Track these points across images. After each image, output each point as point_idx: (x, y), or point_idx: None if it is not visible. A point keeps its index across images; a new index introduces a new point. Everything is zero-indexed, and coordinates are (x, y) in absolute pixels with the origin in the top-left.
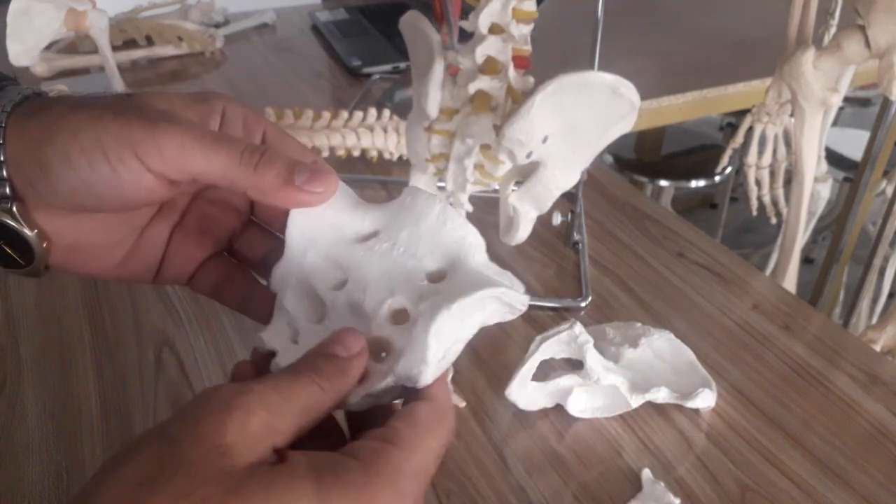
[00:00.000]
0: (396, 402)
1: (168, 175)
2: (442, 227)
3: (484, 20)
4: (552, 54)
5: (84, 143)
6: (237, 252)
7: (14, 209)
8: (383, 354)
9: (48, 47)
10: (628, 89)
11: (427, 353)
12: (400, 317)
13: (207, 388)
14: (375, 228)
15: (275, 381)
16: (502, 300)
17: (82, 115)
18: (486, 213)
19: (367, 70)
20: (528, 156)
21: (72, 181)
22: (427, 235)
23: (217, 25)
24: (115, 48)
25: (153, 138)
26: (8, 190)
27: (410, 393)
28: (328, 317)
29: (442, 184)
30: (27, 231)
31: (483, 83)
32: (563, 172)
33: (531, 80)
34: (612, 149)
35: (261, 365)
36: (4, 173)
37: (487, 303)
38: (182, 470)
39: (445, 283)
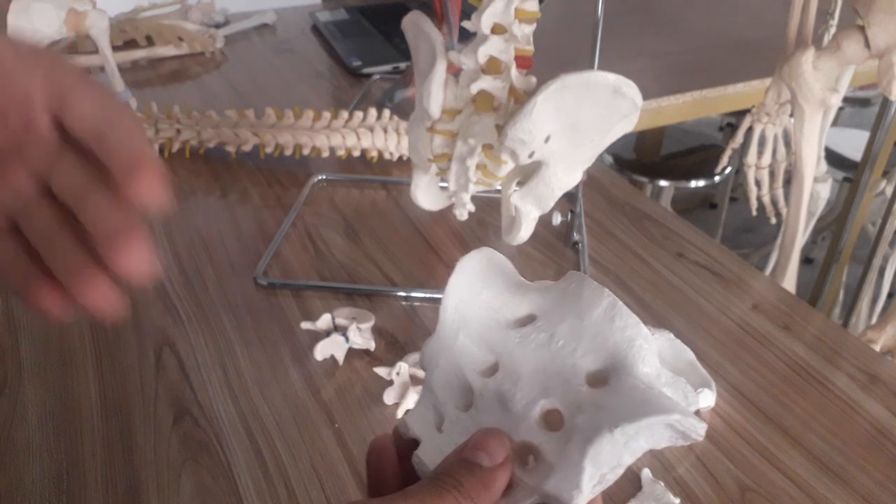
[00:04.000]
0: None
1: None
2: (609, 324)
3: (486, 20)
4: (552, 55)
5: None
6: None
7: None
8: (529, 460)
9: (49, 47)
10: (631, 89)
11: (582, 478)
12: (552, 419)
13: (356, 500)
14: (533, 313)
15: (419, 500)
16: (675, 427)
17: None
18: (488, 213)
19: (367, 70)
20: (531, 155)
21: None
22: (591, 331)
23: (217, 26)
24: (115, 48)
25: None
26: None
27: None
28: (475, 406)
29: (444, 183)
30: None
31: (485, 83)
32: (566, 172)
33: (533, 79)
34: (612, 149)
35: (400, 442)
36: None
37: (656, 428)
38: None
39: (608, 392)
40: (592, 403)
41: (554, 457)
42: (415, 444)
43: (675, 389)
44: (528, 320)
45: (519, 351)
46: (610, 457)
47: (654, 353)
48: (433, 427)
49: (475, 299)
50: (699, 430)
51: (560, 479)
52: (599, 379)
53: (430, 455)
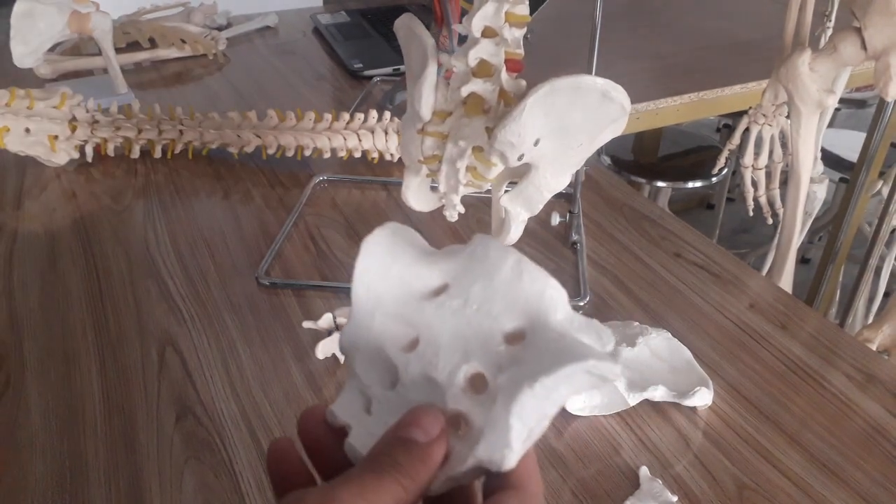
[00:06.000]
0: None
1: None
2: (518, 281)
3: (477, 24)
4: (550, 56)
5: None
6: None
7: None
8: (462, 427)
9: (52, 49)
10: (619, 93)
11: (510, 436)
12: (477, 383)
13: (293, 494)
14: (445, 281)
15: (359, 486)
16: (591, 373)
17: None
18: (486, 213)
19: (367, 72)
20: (520, 158)
21: None
22: (502, 290)
23: (219, 28)
24: (118, 50)
25: None
26: None
27: (493, 474)
28: (401, 382)
29: (435, 185)
30: None
31: (476, 86)
32: (555, 175)
33: (523, 83)
34: (610, 150)
35: (312, 439)
36: None
37: (574, 376)
38: None
39: (525, 347)
40: (512, 361)
41: (482, 420)
42: (344, 433)
43: (588, 333)
44: (441, 289)
45: (436, 321)
46: (534, 411)
47: (564, 301)
48: (362, 411)
49: (386, 277)
50: (615, 370)
51: (490, 440)
52: (516, 336)
53: (361, 440)
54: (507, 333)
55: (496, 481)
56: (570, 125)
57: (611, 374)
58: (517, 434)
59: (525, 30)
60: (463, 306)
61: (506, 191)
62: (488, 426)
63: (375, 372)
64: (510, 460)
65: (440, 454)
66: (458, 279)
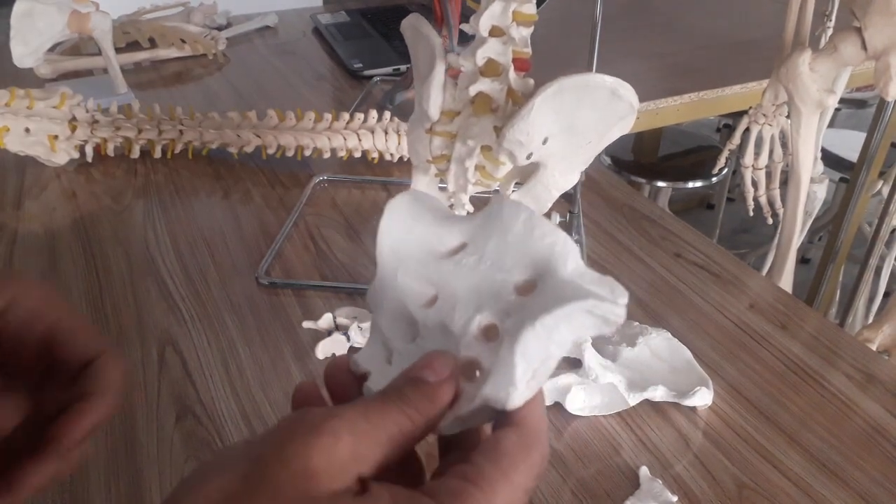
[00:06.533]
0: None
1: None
2: (530, 236)
3: (485, 23)
4: (550, 57)
5: None
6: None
7: None
8: (476, 374)
9: (52, 49)
10: (627, 91)
11: (514, 374)
12: (490, 333)
13: (299, 409)
14: (463, 241)
15: (364, 408)
16: (593, 313)
17: None
18: None
19: (367, 72)
20: (529, 157)
21: None
22: (515, 245)
23: (219, 28)
24: (118, 50)
25: None
26: None
27: (500, 415)
28: (420, 336)
29: (443, 184)
30: None
31: (484, 85)
32: (563, 173)
33: (531, 82)
34: (610, 150)
35: (337, 385)
36: None
37: (576, 317)
38: (266, 490)
39: (535, 297)
40: (520, 308)
41: (491, 363)
42: (365, 380)
43: (600, 286)
44: (460, 248)
45: (453, 277)
46: (538, 350)
47: (575, 254)
48: (383, 361)
49: (408, 237)
50: (617, 311)
51: (496, 379)
52: (527, 287)
53: (379, 385)
54: (518, 285)
55: (501, 421)
56: (579, 123)
57: (613, 316)
58: (521, 372)
59: (532, 28)
60: (478, 262)
61: (514, 190)
62: (495, 366)
63: (397, 327)
64: (514, 398)
65: (448, 394)
66: (475, 238)
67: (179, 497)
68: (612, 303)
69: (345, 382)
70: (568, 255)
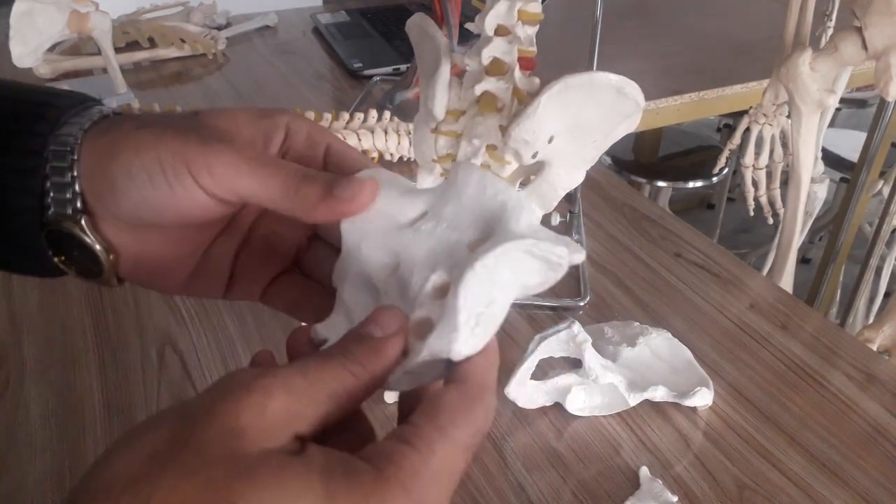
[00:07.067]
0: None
1: (219, 195)
2: (482, 195)
3: (490, 22)
4: (551, 56)
5: (145, 159)
6: (306, 268)
7: (83, 222)
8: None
9: (51, 49)
10: (633, 89)
11: (456, 319)
12: (443, 291)
13: (232, 370)
14: (424, 210)
15: (302, 365)
16: (533, 253)
17: (146, 133)
18: None
19: (367, 72)
20: (534, 156)
21: (134, 196)
22: (469, 206)
23: (219, 27)
24: (117, 50)
25: (205, 157)
26: (80, 203)
27: (449, 373)
28: (380, 303)
29: None
30: (95, 245)
31: (489, 84)
32: (569, 172)
33: (537, 81)
34: (611, 150)
35: (298, 354)
36: (77, 187)
37: (517, 258)
38: (192, 448)
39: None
40: (468, 259)
41: (439, 315)
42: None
43: (556, 242)
44: (420, 217)
45: (413, 244)
46: (480, 294)
47: (529, 211)
48: (344, 330)
49: (370, 212)
50: (558, 251)
51: (440, 329)
52: (478, 244)
53: None
54: (471, 242)
55: (447, 379)
56: (584, 122)
57: (555, 258)
58: (464, 318)
59: (538, 27)
60: (435, 227)
61: (519, 188)
62: (440, 318)
63: (360, 297)
64: (459, 346)
65: (396, 349)
66: (435, 205)
67: (108, 456)
68: (553, 243)
69: (305, 352)
70: (521, 211)
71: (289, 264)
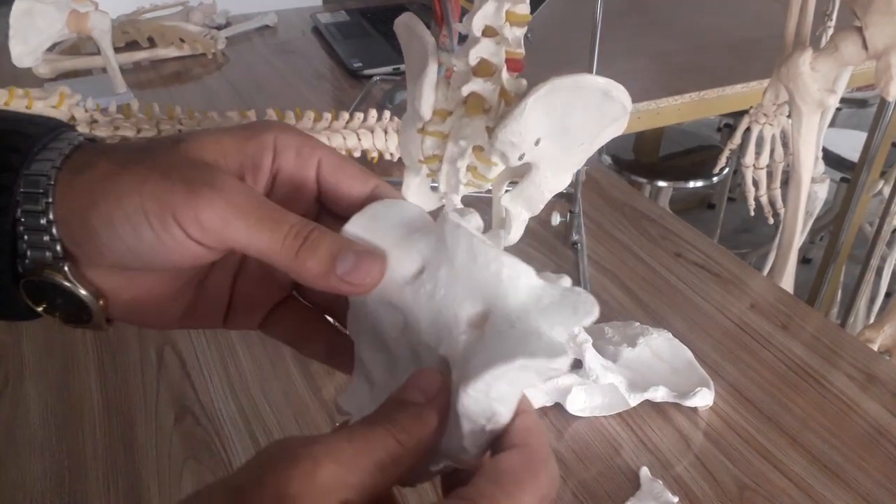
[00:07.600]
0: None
1: (209, 245)
2: (474, 264)
3: (477, 23)
4: (551, 56)
5: (127, 209)
6: (308, 293)
7: (66, 269)
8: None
9: (51, 48)
10: (620, 92)
11: (462, 434)
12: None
13: (278, 438)
14: (421, 265)
15: (348, 433)
16: (528, 368)
17: (126, 177)
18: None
19: (367, 72)
20: (521, 158)
21: (117, 246)
22: (463, 275)
23: (219, 27)
24: (117, 49)
25: (193, 207)
26: (59, 248)
27: (504, 438)
28: (396, 367)
29: (435, 185)
30: (81, 290)
31: (476, 85)
32: (556, 174)
33: (524, 82)
34: (611, 150)
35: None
36: (55, 233)
37: (510, 375)
38: None
39: (483, 336)
40: (463, 358)
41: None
42: None
43: (561, 307)
44: (419, 273)
45: (415, 305)
46: (479, 410)
47: (527, 277)
48: (367, 398)
49: None
50: (553, 364)
51: (448, 437)
52: (479, 320)
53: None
54: (470, 319)
55: (499, 447)
56: (572, 124)
57: (551, 371)
58: (470, 436)
59: (525, 28)
60: (434, 291)
61: (506, 190)
62: (448, 427)
63: (377, 357)
64: (472, 461)
65: (437, 416)
66: (431, 262)
67: None
68: (547, 358)
69: None
70: (518, 279)
71: (289, 292)
